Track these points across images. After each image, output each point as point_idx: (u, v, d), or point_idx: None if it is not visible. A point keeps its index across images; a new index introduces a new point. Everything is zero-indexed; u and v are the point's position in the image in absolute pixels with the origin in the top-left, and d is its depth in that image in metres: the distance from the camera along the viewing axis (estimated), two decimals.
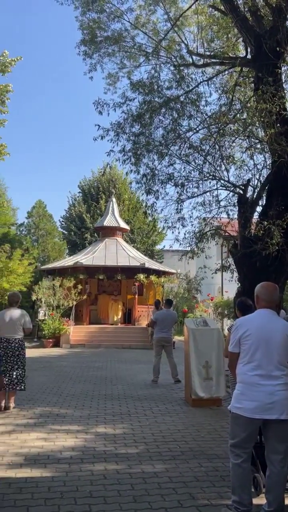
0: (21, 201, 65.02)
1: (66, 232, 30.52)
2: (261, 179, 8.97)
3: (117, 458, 4.49)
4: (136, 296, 19.54)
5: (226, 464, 4.01)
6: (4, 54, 12.73)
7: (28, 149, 68.02)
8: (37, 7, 64.71)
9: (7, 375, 6.32)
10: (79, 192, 31.10)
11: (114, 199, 23.48)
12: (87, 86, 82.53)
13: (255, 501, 3.25)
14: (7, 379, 6.31)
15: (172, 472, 4.12)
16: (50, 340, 16.75)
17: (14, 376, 6.39)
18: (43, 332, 16.96)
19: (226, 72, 10.50)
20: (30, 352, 11.85)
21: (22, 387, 6.55)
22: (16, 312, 6.62)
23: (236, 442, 3.18)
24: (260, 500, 3.33)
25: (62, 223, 31.52)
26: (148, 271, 19.06)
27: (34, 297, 18.16)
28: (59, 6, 11.38)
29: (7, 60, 12.77)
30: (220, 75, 10.56)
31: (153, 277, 19.14)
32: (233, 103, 9.37)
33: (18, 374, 6.45)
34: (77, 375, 9.83)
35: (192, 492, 3.66)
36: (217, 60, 10.36)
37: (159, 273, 19.99)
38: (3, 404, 6.39)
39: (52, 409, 6.51)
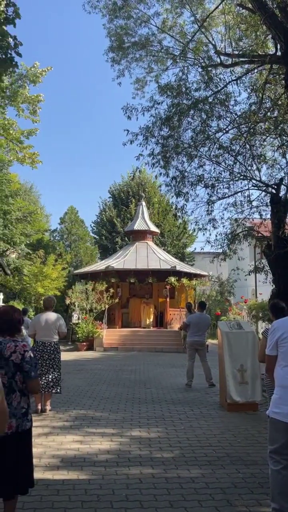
0: (53, 208, 66.61)
1: (97, 237, 30.94)
2: None
3: (152, 462, 4.47)
4: (168, 299, 19.49)
5: (265, 471, 3.91)
6: (35, 65, 13.10)
7: (59, 157, 69.61)
8: (66, 15, 66.30)
9: (43, 378, 6.45)
10: (110, 197, 31.47)
11: (143, 203, 23.58)
12: (116, 92, 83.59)
13: None
14: (43, 382, 6.43)
15: (209, 478, 4.05)
16: (84, 344, 16.98)
17: (50, 379, 6.51)
18: (77, 336, 17.21)
19: (256, 70, 10.34)
20: (65, 356, 12.05)
21: (58, 390, 6.65)
22: (51, 316, 6.74)
23: (275, 448, 3.09)
24: None
25: (94, 228, 31.99)
26: (179, 274, 18.97)
27: (67, 301, 18.49)
28: (87, 14, 11.60)
29: (38, 71, 13.12)
30: (249, 73, 10.41)
31: (184, 280, 19.03)
32: (264, 101, 9.21)
33: (53, 377, 6.56)
34: (111, 378, 9.90)
35: (229, 499, 3.58)
36: (246, 59, 10.22)
37: (190, 276, 19.85)
38: (40, 407, 6.52)
39: (87, 412, 6.57)
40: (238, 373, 6.78)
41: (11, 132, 13.44)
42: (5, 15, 6.84)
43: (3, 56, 6.97)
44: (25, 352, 2.88)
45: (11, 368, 2.83)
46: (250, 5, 9.46)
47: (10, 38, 6.94)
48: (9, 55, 7.00)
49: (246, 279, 15.19)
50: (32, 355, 2.94)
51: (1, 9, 6.78)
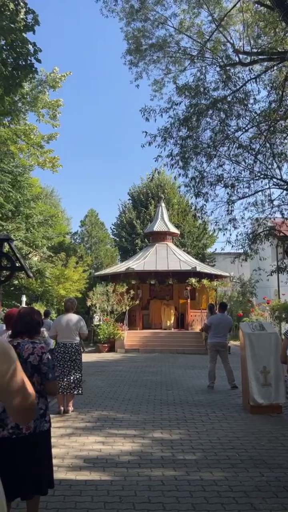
0: (74, 211, 67.35)
1: (117, 239, 31.08)
2: None
3: (174, 464, 4.45)
4: (189, 301, 19.39)
5: None
6: (55, 71, 13.28)
7: (79, 161, 70.36)
8: (84, 20, 67.04)
9: (65, 379, 6.51)
10: (129, 199, 31.58)
11: (163, 204, 23.56)
12: (134, 94, 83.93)
13: None
14: (65, 384, 6.50)
15: (232, 481, 4.00)
16: (106, 345, 17.08)
17: (72, 381, 6.56)
18: (99, 337, 17.33)
19: (275, 67, 10.19)
20: (86, 357, 12.16)
21: (80, 391, 6.70)
22: (73, 318, 6.81)
23: None
24: None
25: (114, 230, 32.15)
26: (200, 275, 18.85)
27: (89, 303, 18.64)
28: (104, 18, 11.69)
29: (58, 76, 13.30)
30: (269, 71, 10.27)
31: (205, 281, 18.89)
32: (284, 98, 9.06)
33: (75, 378, 6.61)
34: (133, 379, 9.91)
35: (253, 502, 3.53)
36: (265, 56, 10.09)
37: (211, 277, 19.70)
38: (62, 408, 6.58)
39: (109, 413, 6.60)
40: (261, 374, 6.68)
41: (31, 137, 13.66)
42: (24, 22, 6.97)
43: (23, 63, 7.11)
44: (43, 354, 2.90)
45: (28, 370, 2.86)
46: (268, 2, 9.35)
47: (29, 45, 7.07)
48: (29, 62, 7.13)
49: (268, 279, 14.95)
50: (50, 357, 2.96)
51: (21, 16, 6.91)
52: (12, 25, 6.67)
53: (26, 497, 2.89)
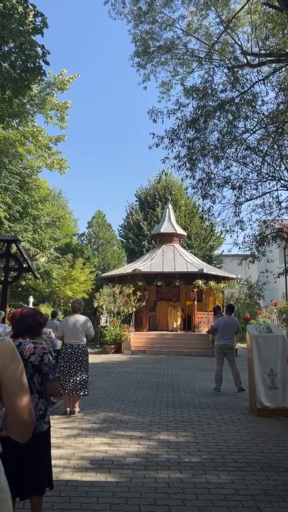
0: (81, 212, 67.63)
1: (124, 240, 31.13)
2: None
3: (180, 467, 4.44)
4: (195, 302, 19.34)
5: None
6: (63, 73, 13.35)
7: (87, 162, 70.63)
8: (93, 22, 67.37)
9: (71, 380, 6.52)
10: (136, 201, 31.62)
11: (170, 206, 23.55)
12: (142, 96, 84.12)
13: None
14: (71, 384, 6.51)
15: (238, 484, 3.98)
16: (112, 346, 17.09)
17: (78, 382, 6.57)
18: (105, 338, 17.35)
19: (283, 69, 10.15)
20: (93, 358, 12.17)
21: (86, 392, 6.71)
22: (79, 319, 6.82)
23: None
24: None
25: (121, 231, 32.21)
26: (207, 277, 18.80)
27: (95, 304, 18.68)
28: (112, 21, 11.75)
29: (66, 78, 13.37)
30: (277, 72, 10.23)
31: (212, 283, 18.84)
32: None
33: (81, 379, 6.62)
34: (139, 381, 9.90)
35: (260, 506, 3.50)
36: (273, 58, 10.06)
37: (218, 279, 19.64)
38: (68, 409, 6.60)
39: (115, 415, 6.60)
40: (268, 377, 6.64)
41: (40, 139, 13.74)
42: (33, 25, 7.01)
43: (32, 65, 7.15)
44: (44, 355, 2.90)
45: (29, 370, 2.86)
46: (277, 3, 9.32)
47: (38, 47, 7.11)
48: (37, 64, 7.17)
49: (276, 281, 14.87)
50: (51, 357, 2.96)
51: (30, 19, 6.96)
52: (20, 28, 6.71)
53: (25, 497, 2.89)
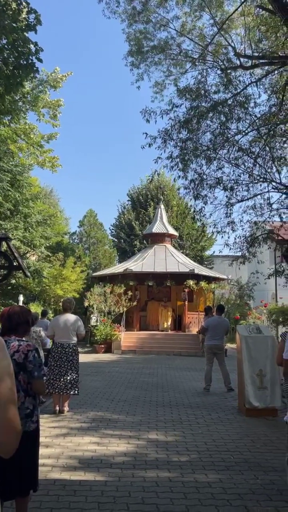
0: (73, 211, 67.37)
1: (116, 240, 31.10)
2: None
3: (169, 466, 4.45)
4: (186, 303, 19.39)
5: (284, 478, 3.83)
6: (56, 71, 13.29)
7: (79, 161, 70.41)
8: (86, 21, 67.18)
9: (61, 379, 6.49)
10: (128, 200, 31.61)
11: (162, 206, 23.58)
12: (135, 96, 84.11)
13: None
14: (61, 384, 6.48)
15: (226, 483, 4.00)
16: (102, 346, 17.06)
17: (68, 381, 6.54)
18: (95, 338, 17.30)
19: (276, 72, 10.23)
20: (83, 357, 12.13)
21: (76, 391, 6.68)
22: (70, 318, 6.79)
23: None
24: None
25: (112, 231, 32.18)
26: (198, 277, 18.86)
27: (86, 304, 18.62)
28: (106, 19, 11.73)
29: (59, 76, 13.30)
30: (270, 75, 10.31)
31: (203, 283, 18.91)
32: (284, 103, 9.09)
33: (71, 378, 6.59)
34: (129, 381, 9.90)
35: (247, 505, 3.53)
36: (266, 60, 10.13)
37: (209, 279, 19.71)
38: (58, 408, 6.57)
39: (105, 414, 6.59)
40: (257, 378, 6.68)
41: (31, 136, 13.66)
42: (26, 22, 6.97)
43: (25, 62, 7.11)
44: (29, 352, 2.86)
45: (13, 368, 2.82)
46: (270, 7, 9.39)
47: (31, 44, 7.07)
48: (30, 61, 7.13)
49: (266, 282, 14.98)
50: (36, 355, 2.92)
51: (23, 16, 6.92)
52: (14, 25, 6.67)
53: (8, 498, 2.85)
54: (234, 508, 3.47)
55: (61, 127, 16.42)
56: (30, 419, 2.90)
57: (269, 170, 8.83)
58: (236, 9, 10.77)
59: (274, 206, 9.30)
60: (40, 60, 7.27)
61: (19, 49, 6.98)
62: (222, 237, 9.25)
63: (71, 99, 62.40)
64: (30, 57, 7.10)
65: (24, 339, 3.01)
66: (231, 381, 8.54)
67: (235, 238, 9.54)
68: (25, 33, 6.95)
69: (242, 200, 9.21)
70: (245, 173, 8.93)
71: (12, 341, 2.91)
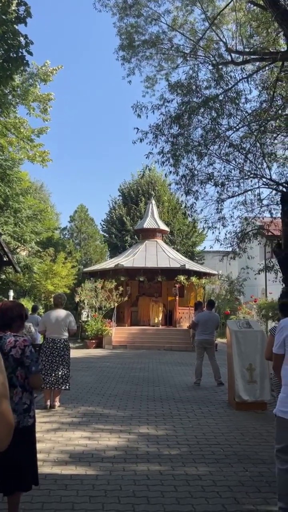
0: (64, 206, 66.95)
1: (107, 235, 31.00)
2: None
3: (160, 459, 4.49)
4: (177, 298, 19.47)
5: (272, 470, 3.89)
6: (46, 64, 13.15)
7: (70, 155, 69.91)
8: (77, 14, 66.48)
9: (53, 374, 6.50)
10: (119, 196, 31.50)
11: (153, 201, 23.57)
12: (127, 90, 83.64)
13: None
14: (52, 379, 6.49)
15: (216, 476, 4.05)
16: (93, 341, 17.06)
17: (59, 376, 6.55)
18: (86, 333, 17.30)
19: (267, 68, 10.27)
20: (74, 353, 12.12)
21: (67, 386, 6.70)
22: (61, 313, 6.79)
23: (282, 448, 3.08)
24: None
25: (103, 226, 32.07)
26: (189, 273, 18.94)
27: (77, 299, 18.58)
28: (97, 13, 11.63)
29: (49, 70, 13.17)
30: (261, 71, 10.34)
31: (193, 279, 18.99)
32: (275, 99, 9.14)
33: (63, 374, 6.60)
34: (120, 375, 9.94)
35: (237, 497, 3.58)
36: (257, 56, 10.15)
37: (200, 275, 19.80)
38: (49, 403, 6.57)
39: (96, 409, 6.62)
40: (247, 372, 6.76)
41: (22, 130, 13.53)
42: (16, 14, 6.89)
43: (14, 55, 7.03)
44: (25, 347, 2.87)
45: (11, 363, 2.83)
46: (261, 2, 9.39)
47: (21, 37, 6.99)
48: (20, 54, 7.05)
49: (256, 278, 15.11)
50: (33, 350, 2.94)
51: (13, 8, 6.83)
52: (3, 17, 6.59)
53: (8, 493, 2.87)
54: (223, 499, 3.53)
55: (52, 122, 16.23)
56: (28, 414, 2.92)
57: (259, 166, 8.88)
58: (228, 4, 10.76)
59: (265, 202, 9.37)
60: (30, 53, 7.19)
61: (9, 41, 6.90)
62: (213, 232, 9.32)
63: (63, 94, 61.87)
64: (20, 50, 7.02)
65: (19, 334, 3.01)
66: (221, 375, 8.62)
67: (225, 234, 9.59)
68: (15, 26, 6.87)
69: (233, 196, 9.25)
70: (236, 169, 8.97)
71: (8, 336, 2.91)
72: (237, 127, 8.88)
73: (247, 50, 10.60)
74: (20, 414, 2.85)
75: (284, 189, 8.52)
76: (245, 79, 9.18)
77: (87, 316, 18.56)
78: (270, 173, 9.04)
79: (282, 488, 3.04)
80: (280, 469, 3.08)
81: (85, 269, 22.61)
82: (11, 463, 2.75)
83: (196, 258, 29.29)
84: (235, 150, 8.77)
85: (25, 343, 2.90)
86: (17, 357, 2.84)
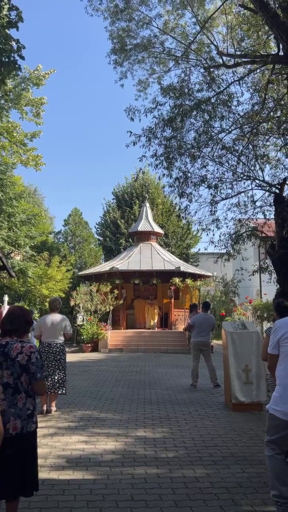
0: (58, 210, 66.80)
1: (101, 238, 30.98)
2: None
3: (157, 462, 4.48)
4: (172, 300, 19.48)
5: None
6: (38, 68, 13.17)
7: (63, 159, 69.86)
8: (69, 18, 66.59)
9: (49, 379, 6.47)
10: (113, 199, 31.50)
11: (147, 204, 23.59)
12: (119, 94, 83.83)
13: None
14: (49, 383, 6.46)
15: (214, 477, 4.06)
16: (89, 345, 17.01)
17: (56, 380, 6.53)
18: (82, 337, 17.24)
19: (258, 70, 10.34)
20: (70, 357, 12.07)
21: (63, 391, 6.68)
22: (57, 317, 6.77)
23: (272, 439, 3.20)
24: None
25: (98, 229, 32.04)
26: (184, 275, 18.96)
27: (72, 303, 18.53)
28: (89, 17, 11.68)
29: (41, 74, 13.19)
30: (252, 74, 10.40)
31: (188, 281, 19.01)
32: (266, 101, 9.21)
33: (59, 378, 6.58)
34: (116, 379, 9.91)
35: (234, 498, 3.59)
36: (248, 59, 10.22)
37: (194, 277, 19.83)
38: (45, 408, 6.55)
39: (92, 413, 6.59)
40: (243, 373, 6.78)
41: (14, 134, 13.52)
42: (8, 19, 6.89)
43: (6, 60, 7.03)
44: (32, 354, 2.89)
45: (17, 369, 2.84)
46: (251, 5, 9.47)
47: (13, 42, 7.00)
48: (12, 58, 7.06)
49: (250, 279, 15.18)
50: (38, 356, 2.95)
51: (4, 13, 6.84)
52: None
53: (10, 498, 2.86)
54: (221, 501, 3.53)
55: (45, 126, 16.27)
56: (31, 419, 2.93)
57: (252, 168, 8.94)
58: (218, 8, 10.83)
59: (258, 203, 9.43)
60: (22, 58, 7.20)
61: (1, 46, 6.90)
62: (207, 234, 9.33)
63: (56, 98, 61.87)
64: (12, 55, 7.02)
65: (24, 339, 3.02)
66: (218, 377, 8.63)
67: (219, 236, 9.63)
68: (6, 30, 6.87)
69: (226, 198, 9.30)
70: (229, 171, 9.01)
71: (14, 342, 2.91)
72: (230, 129, 8.94)
73: (238, 53, 10.67)
74: (24, 420, 2.86)
75: (277, 191, 8.58)
76: (237, 82, 9.25)
77: (83, 320, 18.51)
78: (263, 174, 9.11)
79: (272, 475, 3.16)
80: (268, 456, 3.20)
81: (80, 273, 22.55)
82: (14, 468, 2.75)
83: (191, 260, 29.35)
84: (228, 152, 8.82)
85: (31, 350, 2.91)
86: (23, 363, 2.85)
